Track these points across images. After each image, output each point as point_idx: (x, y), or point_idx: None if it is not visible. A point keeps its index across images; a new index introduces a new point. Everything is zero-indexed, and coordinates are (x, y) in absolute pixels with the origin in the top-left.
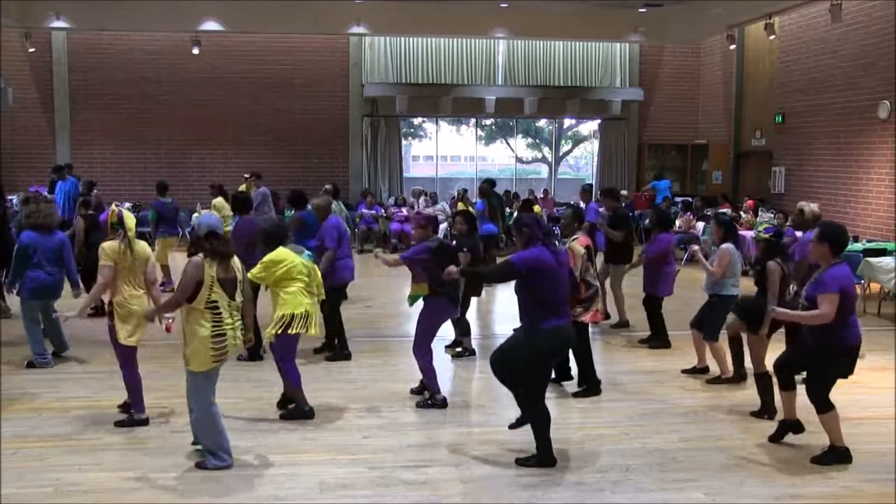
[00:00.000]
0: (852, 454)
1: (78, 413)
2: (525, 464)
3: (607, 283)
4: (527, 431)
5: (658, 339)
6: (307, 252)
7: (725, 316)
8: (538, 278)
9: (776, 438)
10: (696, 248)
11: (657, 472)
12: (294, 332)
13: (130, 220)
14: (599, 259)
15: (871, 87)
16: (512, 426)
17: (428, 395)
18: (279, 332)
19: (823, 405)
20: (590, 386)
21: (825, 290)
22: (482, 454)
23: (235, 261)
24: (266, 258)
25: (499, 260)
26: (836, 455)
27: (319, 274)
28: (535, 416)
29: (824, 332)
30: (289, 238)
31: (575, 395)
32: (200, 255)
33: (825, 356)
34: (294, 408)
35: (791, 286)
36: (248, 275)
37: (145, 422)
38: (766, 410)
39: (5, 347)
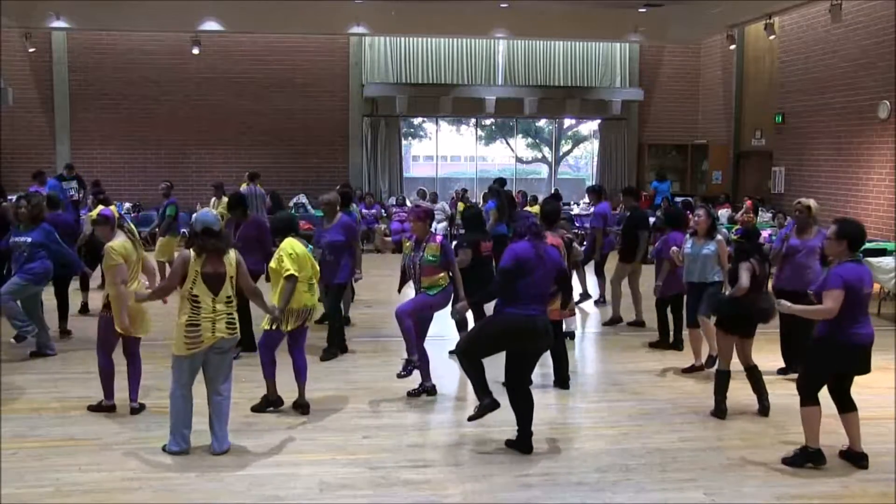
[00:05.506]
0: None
1: (78, 413)
2: (475, 417)
3: (624, 282)
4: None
5: (662, 339)
6: (309, 245)
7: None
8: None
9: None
10: (675, 249)
11: (657, 472)
12: (289, 328)
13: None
14: (613, 261)
15: (871, 87)
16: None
17: (405, 364)
18: (274, 327)
19: (807, 397)
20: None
21: (828, 287)
22: (482, 454)
23: (231, 257)
24: (287, 250)
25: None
26: (807, 456)
27: (316, 265)
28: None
29: (827, 325)
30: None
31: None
32: (191, 249)
33: (822, 348)
34: (263, 398)
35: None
36: (280, 270)
37: (112, 408)
38: (717, 411)
39: (5, 347)
